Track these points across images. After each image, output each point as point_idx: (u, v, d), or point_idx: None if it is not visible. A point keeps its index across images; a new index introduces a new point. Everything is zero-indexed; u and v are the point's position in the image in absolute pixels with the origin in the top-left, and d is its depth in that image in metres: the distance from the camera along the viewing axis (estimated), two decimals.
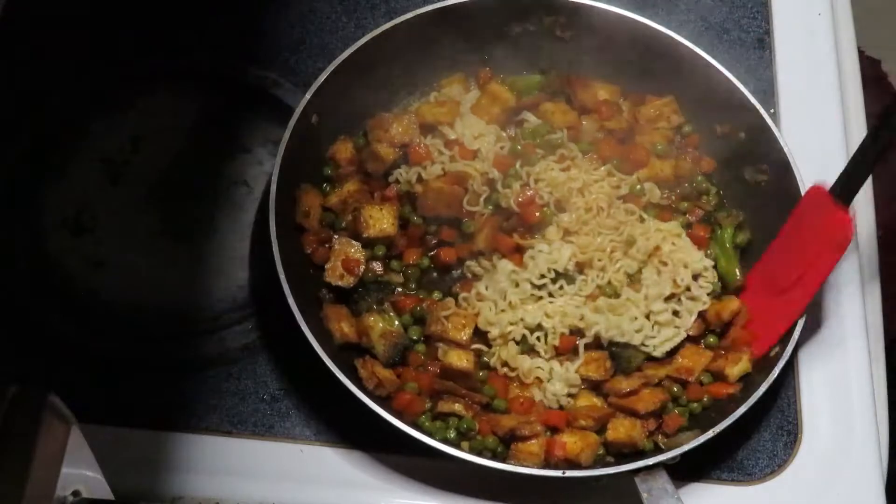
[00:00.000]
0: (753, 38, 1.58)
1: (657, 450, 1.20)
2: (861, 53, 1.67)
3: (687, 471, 1.24)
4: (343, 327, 1.25)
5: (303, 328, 1.17)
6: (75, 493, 0.83)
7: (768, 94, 1.52)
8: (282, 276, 1.20)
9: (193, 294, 1.33)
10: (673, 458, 1.15)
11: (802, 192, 1.29)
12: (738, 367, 1.25)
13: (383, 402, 1.19)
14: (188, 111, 1.45)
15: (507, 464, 1.16)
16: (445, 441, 1.17)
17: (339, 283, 1.27)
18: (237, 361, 1.29)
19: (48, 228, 1.35)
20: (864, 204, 1.50)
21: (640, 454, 1.20)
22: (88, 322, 1.29)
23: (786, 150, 1.32)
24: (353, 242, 1.29)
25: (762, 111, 1.35)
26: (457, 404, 1.22)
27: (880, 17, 2.34)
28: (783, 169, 1.32)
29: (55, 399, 0.77)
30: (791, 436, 1.30)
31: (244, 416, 1.26)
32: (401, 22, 1.37)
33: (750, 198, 1.38)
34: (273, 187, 1.25)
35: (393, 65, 1.41)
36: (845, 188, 1.21)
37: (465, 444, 1.20)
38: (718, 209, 1.39)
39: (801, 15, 1.61)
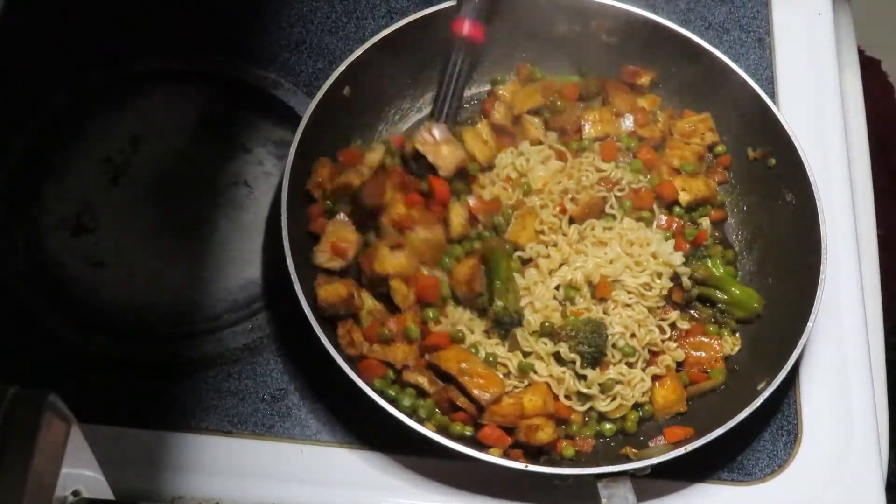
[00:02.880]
0: (753, 38, 1.58)
1: (625, 459, 1.20)
2: (861, 53, 1.67)
3: (687, 471, 1.24)
4: (331, 298, 1.24)
5: (311, 320, 1.17)
6: (75, 493, 0.82)
7: (769, 94, 1.51)
8: (289, 261, 1.20)
9: (194, 294, 1.33)
10: (642, 470, 1.15)
11: (823, 226, 1.29)
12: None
13: (353, 363, 1.20)
14: (188, 111, 1.45)
15: (482, 453, 1.15)
16: (405, 411, 1.17)
17: (329, 265, 1.27)
18: (237, 361, 1.29)
19: (48, 228, 1.35)
20: (864, 203, 1.50)
21: (607, 460, 1.20)
22: (88, 322, 1.29)
23: (812, 180, 1.32)
24: (349, 225, 1.28)
25: (795, 141, 1.34)
26: (421, 377, 1.22)
27: (880, 17, 2.34)
28: (808, 201, 1.32)
29: (55, 399, 0.76)
30: (791, 436, 1.30)
31: (244, 416, 1.26)
32: (440, 10, 1.38)
33: (768, 222, 1.39)
34: (288, 168, 1.25)
35: (424, 53, 1.41)
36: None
37: (429, 423, 1.20)
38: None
39: (801, 15, 1.61)
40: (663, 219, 1.37)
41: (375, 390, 1.16)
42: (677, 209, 1.39)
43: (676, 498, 1.25)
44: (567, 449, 1.21)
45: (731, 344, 1.32)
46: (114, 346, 1.28)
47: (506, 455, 1.18)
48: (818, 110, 1.52)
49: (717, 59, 1.40)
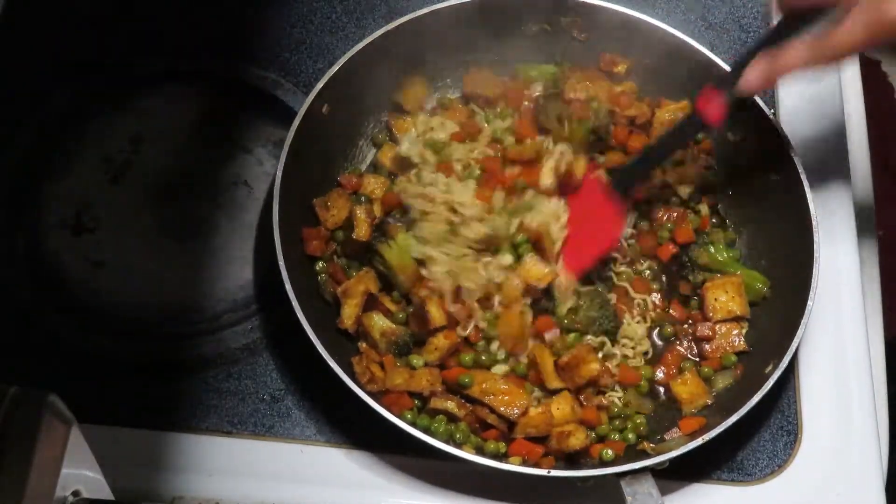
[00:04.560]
0: (753, 39, 1.58)
1: (644, 454, 1.20)
2: (861, 53, 1.67)
3: (687, 471, 1.24)
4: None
5: (304, 325, 1.17)
6: (75, 493, 0.82)
7: (768, 94, 1.51)
8: (282, 268, 1.19)
9: (193, 294, 1.33)
10: (661, 464, 1.15)
11: (811, 204, 1.29)
12: None
13: (376, 397, 1.19)
14: (188, 111, 1.45)
15: (504, 462, 1.16)
16: (441, 438, 1.17)
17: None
18: (237, 361, 1.29)
19: (48, 228, 1.35)
20: (864, 203, 1.50)
21: (626, 457, 1.20)
22: (88, 322, 1.29)
23: (797, 161, 1.31)
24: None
25: (775, 121, 1.35)
26: (449, 402, 1.22)
27: None
28: (793, 180, 1.31)
29: (55, 399, 0.76)
30: (791, 436, 1.30)
31: (244, 416, 1.26)
32: (415, 17, 1.37)
33: (755, 206, 1.39)
34: (279, 173, 1.25)
35: (404, 57, 1.41)
36: (622, 182, 1.34)
37: (467, 446, 1.20)
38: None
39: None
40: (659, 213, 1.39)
41: (406, 422, 1.15)
42: (674, 199, 1.39)
43: (676, 498, 1.25)
44: (606, 453, 1.21)
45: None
46: (114, 346, 1.28)
47: (537, 465, 1.19)
48: (818, 111, 1.52)
49: (688, 45, 1.39)
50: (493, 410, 1.21)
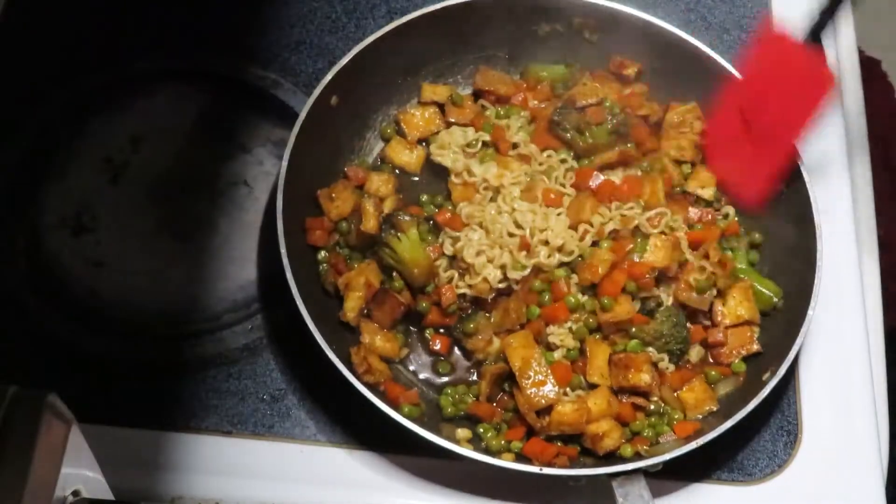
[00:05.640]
0: (753, 38, 1.58)
1: (638, 456, 1.20)
2: (861, 53, 1.67)
3: (687, 471, 1.25)
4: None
5: (308, 322, 1.17)
6: (75, 493, 0.83)
7: None
8: (286, 263, 1.20)
9: (193, 294, 1.33)
10: (654, 466, 1.15)
11: (815, 215, 1.29)
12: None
13: (373, 389, 1.19)
14: (188, 111, 1.45)
15: (497, 459, 1.16)
16: (447, 437, 1.17)
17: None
18: (237, 361, 1.29)
19: (48, 228, 1.35)
20: (864, 203, 1.50)
21: (621, 458, 1.20)
22: (88, 322, 1.29)
23: (801, 166, 1.31)
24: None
25: None
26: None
27: (880, 17, 2.34)
28: (800, 192, 1.31)
29: (55, 399, 0.77)
30: (791, 436, 1.30)
31: (244, 416, 1.26)
32: (427, 13, 1.37)
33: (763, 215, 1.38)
34: (283, 166, 1.25)
35: (412, 55, 1.41)
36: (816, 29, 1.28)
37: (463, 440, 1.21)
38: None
39: (800, 15, 1.61)
40: (694, 212, 1.37)
41: (405, 416, 1.15)
42: (700, 201, 1.38)
43: (676, 498, 1.25)
44: (626, 448, 1.21)
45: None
46: (114, 346, 1.28)
47: (550, 464, 1.18)
48: None
49: (697, 49, 1.39)
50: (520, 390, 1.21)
